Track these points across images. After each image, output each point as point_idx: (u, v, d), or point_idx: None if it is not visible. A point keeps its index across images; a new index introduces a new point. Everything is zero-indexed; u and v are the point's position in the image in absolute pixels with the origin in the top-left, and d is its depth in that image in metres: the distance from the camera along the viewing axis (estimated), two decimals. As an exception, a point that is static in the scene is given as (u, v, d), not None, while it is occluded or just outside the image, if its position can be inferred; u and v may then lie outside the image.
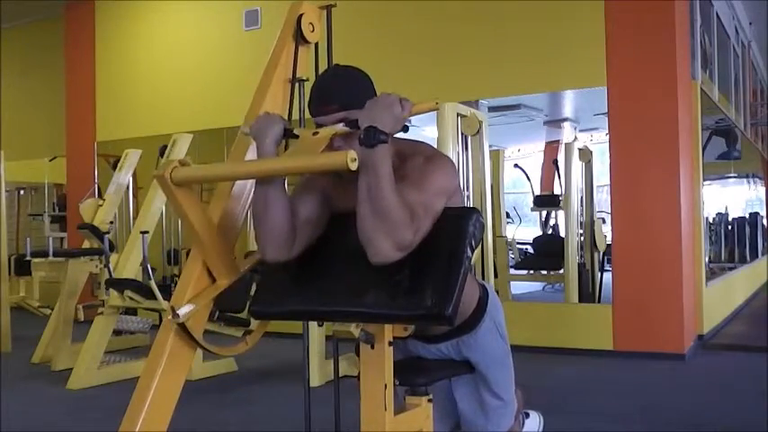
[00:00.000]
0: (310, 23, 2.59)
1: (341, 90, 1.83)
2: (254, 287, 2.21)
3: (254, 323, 2.27)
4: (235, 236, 2.26)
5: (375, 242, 1.65)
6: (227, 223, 2.22)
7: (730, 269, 8.47)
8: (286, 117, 2.58)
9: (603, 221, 6.25)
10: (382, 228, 1.63)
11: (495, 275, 6.20)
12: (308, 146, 1.74)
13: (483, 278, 5.15)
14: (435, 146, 5.20)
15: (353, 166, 1.57)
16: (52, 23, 8.33)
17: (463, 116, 5.52)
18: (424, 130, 6.57)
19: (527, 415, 2.52)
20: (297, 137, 1.83)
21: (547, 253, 7.20)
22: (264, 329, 2.47)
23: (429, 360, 2.08)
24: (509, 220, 7.82)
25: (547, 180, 8.17)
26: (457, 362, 2.07)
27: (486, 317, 2.02)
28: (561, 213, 7.12)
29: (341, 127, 1.75)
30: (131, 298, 4.47)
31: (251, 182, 2.38)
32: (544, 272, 7.55)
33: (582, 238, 6.40)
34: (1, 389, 4.38)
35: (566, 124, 7.53)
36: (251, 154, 2.34)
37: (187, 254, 2.47)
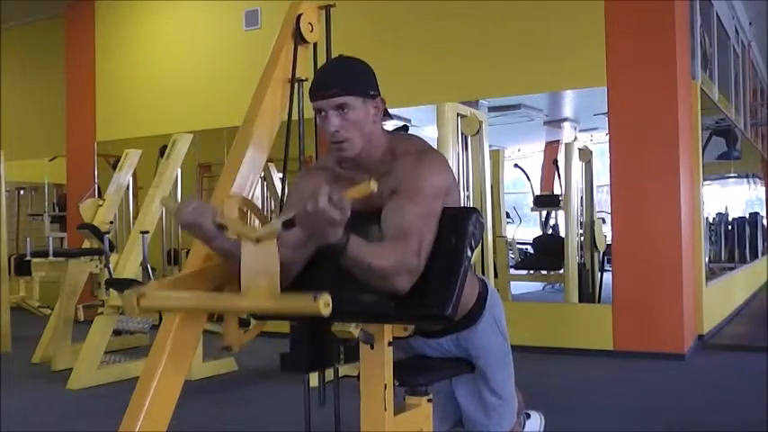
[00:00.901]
0: (309, 23, 2.59)
1: (342, 76, 1.83)
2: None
3: (253, 323, 2.27)
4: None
5: (387, 287, 1.68)
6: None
7: (730, 269, 8.47)
8: (285, 117, 2.58)
9: (603, 221, 6.26)
10: (385, 278, 1.66)
11: (495, 275, 6.20)
12: (260, 259, 1.57)
13: (483, 278, 5.14)
14: (435, 146, 5.23)
15: (326, 312, 1.44)
16: (52, 23, 8.32)
17: (463, 116, 5.53)
18: (424, 130, 6.57)
19: (528, 415, 2.52)
20: (225, 228, 1.70)
21: (547, 253, 7.21)
22: (262, 328, 2.46)
23: (429, 360, 2.08)
24: (509, 220, 7.82)
25: (547, 180, 8.17)
26: (457, 362, 2.07)
27: (486, 312, 2.02)
28: (561, 213, 7.13)
29: (279, 223, 1.56)
30: (131, 298, 4.46)
31: (250, 181, 2.38)
32: (544, 272, 7.56)
33: (582, 238, 6.40)
34: (1, 389, 4.37)
35: (566, 124, 7.54)
36: (248, 162, 2.35)
37: (187, 254, 2.47)
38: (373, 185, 1.50)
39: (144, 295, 1.67)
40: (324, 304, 1.43)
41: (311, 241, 1.60)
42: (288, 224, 1.56)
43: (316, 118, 1.88)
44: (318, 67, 2.55)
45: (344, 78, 1.82)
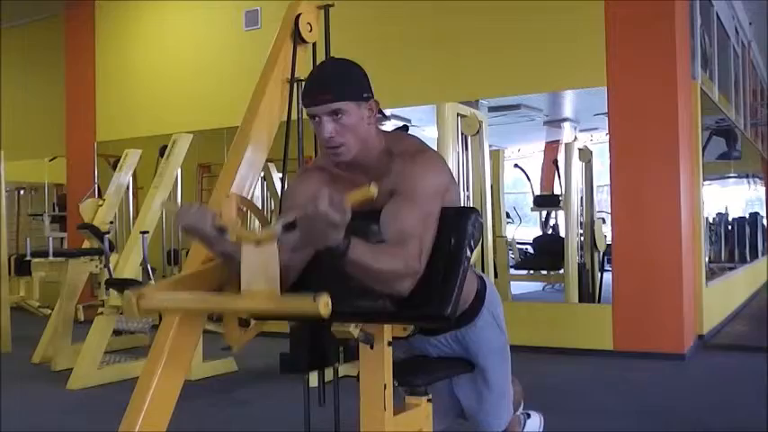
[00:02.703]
0: (308, 23, 2.59)
1: (334, 81, 1.82)
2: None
3: (253, 323, 2.27)
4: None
5: (388, 290, 1.68)
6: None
7: (730, 269, 8.47)
8: (285, 117, 2.59)
9: (603, 221, 6.25)
10: (387, 282, 1.67)
11: (495, 275, 6.21)
12: (260, 261, 1.58)
13: (483, 278, 5.14)
14: (435, 146, 5.24)
15: (325, 312, 1.44)
16: (52, 23, 8.32)
17: (463, 116, 5.53)
18: (424, 130, 6.57)
19: (528, 415, 2.52)
20: (225, 231, 1.70)
21: (547, 253, 7.21)
22: (261, 328, 2.46)
23: (429, 360, 2.08)
24: (509, 220, 7.82)
25: (547, 180, 8.18)
26: (456, 361, 2.07)
27: (485, 309, 2.02)
28: (561, 213, 7.12)
29: (280, 226, 1.56)
30: (131, 298, 4.46)
31: (249, 180, 2.39)
32: (544, 272, 7.56)
33: (582, 238, 6.40)
34: (1, 389, 4.37)
35: (566, 124, 7.54)
36: (247, 162, 2.35)
37: (186, 254, 2.47)
38: (373, 190, 1.49)
39: (143, 296, 1.67)
40: (323, 305, 1.43)
41: (311, 245, 1.59)
42: (288, 227, 1.56)
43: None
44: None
45: (337, 83, 1.81)
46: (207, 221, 1.70)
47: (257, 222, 1.99)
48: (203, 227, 1.70)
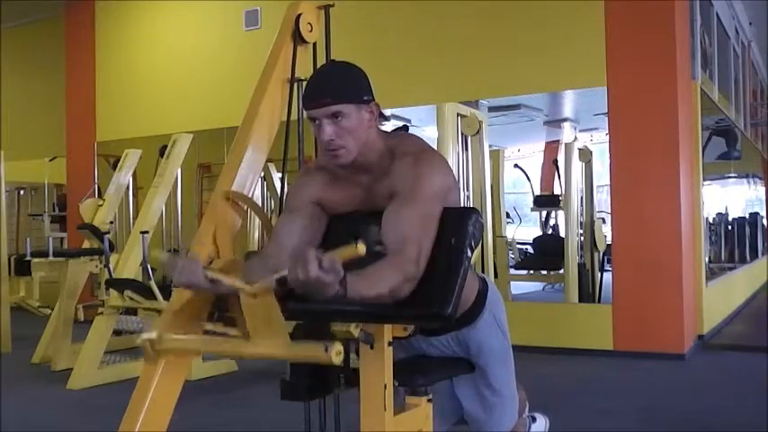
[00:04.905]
0: (308, 23, 2.59)
1: (334, 83, 1.83)
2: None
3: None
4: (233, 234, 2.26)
5: (393, 298, 1.69)
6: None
7: (730, 269, 8.47)
8: (284, 117, 2.58)
9: (603, 221, 6.25)
10: (388, 298, 1.67)
11: (495, 275, 6.20)
12: (261, 310, 1.63)
13: (483, 278, 5.14)
14: (435, 146, 5.23)
15: (338, 361, 1.53)
16: (52, 23, 8.32)
17: (463, 116, 5.53)
18: (424, 130, 6.57)
19: (534, 419, 2.52)
20: (218, 281, 1.73)
21: (547, 253, 7.20)
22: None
23: (429, 360, 2.08)
24: (509, 220, 7.81)
25: (547, 180, 8.17)
26: (457, 361, 2.07)
27: (486, 311, 2.02)
28: (561, 213, 7.12)
29: (274, 280, 1.58)
30: (131, 298, 4.47)
31: (250, 181, 2.39)
32: (544, 272, 7.55)
33: (582, 238, 6.40)
34: (1, 389, 4.37)
35: (566, 124, 7.53)
36: (247, 162, 2.35)
37: (186, 254, 2.47)
38: (361, 249, 1.46)
39: (158, 341, 1.81)
40: (335, 354, 1.51)
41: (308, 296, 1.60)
42: (282, 281, 1.56)
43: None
44: (317, 67, 2.56)
45: (337, 86, 1.81)
46: (199, 277, 1.72)
47: (257, 220, 2.01)
48: (198, 282, 1.72)
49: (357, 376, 1.76)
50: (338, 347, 1.51)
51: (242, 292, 1.63)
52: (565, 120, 7.47)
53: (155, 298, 4.27)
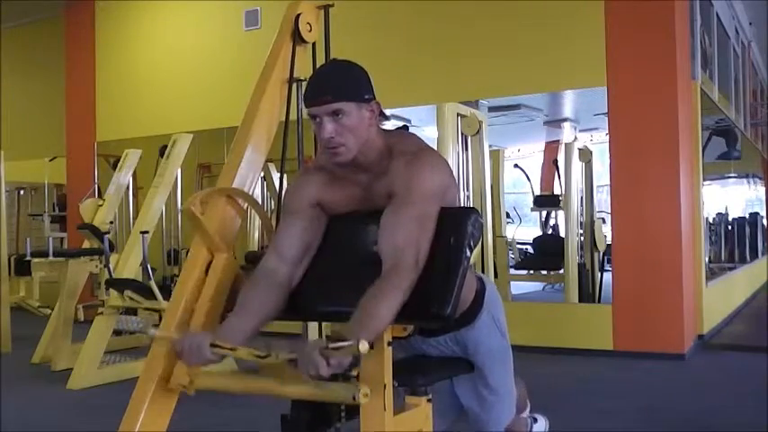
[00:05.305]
0: (308, 23, 2.59)
1: (335, 82, 1.84)
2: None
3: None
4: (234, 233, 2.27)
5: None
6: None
7: (730, 269, 8.46)
8: (284, 117, 2.58)
9: (603, 221, 6.25)
10: (398, 309, 1.70)
11: (495, 275, 6.20)
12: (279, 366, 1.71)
13: (483, 278, 5.14)
14: (435, 146, 5.23)
15: (365, 402, 1.61)
16: (52, 23, 8.32)
17: (463, 116, 5.53)
18: (424, 130, 6.57)
19: (535, 420, 2.52)
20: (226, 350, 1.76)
21: (547, 253, 7.20)
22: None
23: (429, 360, 2.08)
24: (509, 220, 7.81)
25: (547, 180, 8.17)
26: (456, 361, 2.07)
27: (484, 311, 2.02)
28: (561, 213, 7.12)
29: (286, 359, 1.64)
30: (131, 298, 4.47)
31: (249, 180, 2.39)
32: (544, 272, 7.55)
33: (582, 238, 6.40)
34: (1, 389, 4.37)
35: (566, 124, 7.53)
36: (247, 162, 2.35)
37: (186, 253, 2.46)
38: (362, 348, 1.50)
39: (195, 380, 1.91)
40: (363, 396, 1.58)
41: None
42: (293, 362, 1.62)
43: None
44: (317, 67, 2.56)
45: (338, 84, 1.82)
46: (207, 354, 1.75)
47: (258, 220, 2.02)
48: (210, 356, 1.75)
49: (358, 410, 1.76)
50: (365, 390, 1.58)
51: (255, 362, 1.70)
52: (565, 120, 7.47)
53: (155, 298, 4.27)
